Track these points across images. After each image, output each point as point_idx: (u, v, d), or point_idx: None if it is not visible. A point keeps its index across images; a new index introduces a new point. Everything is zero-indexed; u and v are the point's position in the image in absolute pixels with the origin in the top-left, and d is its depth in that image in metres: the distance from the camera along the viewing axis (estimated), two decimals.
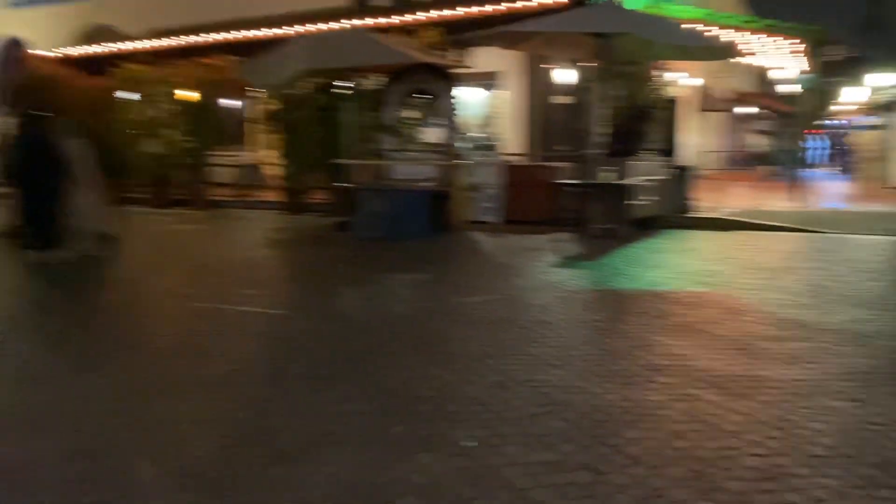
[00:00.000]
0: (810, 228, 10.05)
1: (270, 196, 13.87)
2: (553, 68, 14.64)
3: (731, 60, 20.98)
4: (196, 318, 5.32)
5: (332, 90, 11.47)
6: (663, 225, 10.57)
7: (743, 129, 37.09)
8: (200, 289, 6.33)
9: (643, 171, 10.01)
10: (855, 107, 29.21)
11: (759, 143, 35.36)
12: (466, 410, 3.33)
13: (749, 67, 31.71)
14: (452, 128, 10.49)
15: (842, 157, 29.52)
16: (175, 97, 14.25)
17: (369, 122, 11.05)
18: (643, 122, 11.08)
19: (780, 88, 17.68)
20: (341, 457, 2.85)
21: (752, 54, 15.31)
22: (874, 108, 23.21)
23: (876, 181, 22.22)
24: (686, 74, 19.25)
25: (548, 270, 6.94)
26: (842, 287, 6.02)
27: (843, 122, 34.29)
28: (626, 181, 9.41)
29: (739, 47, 14.17)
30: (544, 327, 4.78)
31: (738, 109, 33.46)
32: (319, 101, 11.56)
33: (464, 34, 10.18)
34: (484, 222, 10.38)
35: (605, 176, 8.99)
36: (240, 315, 5.27)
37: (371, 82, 11.39)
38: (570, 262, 7.64)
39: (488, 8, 13.24)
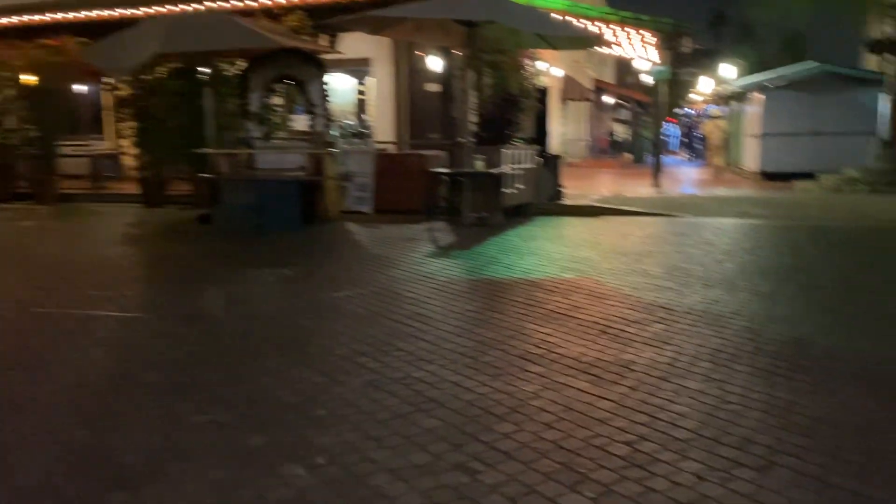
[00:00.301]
0: (669, 213, 10.58)
1: (128, 188, 13.00)
2: (425, 55, 14.57)
3: (593, 51, 21.80)
4: (36, 324, 4.82)
5: (191, 75, 10.83)
6: (534, 212, 10.78)
7: (606, 119, 38.73)
8: (42, 292, 5.75)
9: (514, 160, 10.14)
10: (706, 97, 31.19)
11: (620, 131, 37.13)
12: (336, 414, 3.16)
13: (610, 58, 33.09)
14: (322, 115, 10.16)
15: (695, 144, 31.42)
16: (15, 81, 13.01)
17: (233, 109, 10.52)
18: (513, 111, 11.24)
19: (639, 79, 18.49)
20: (193, 476, 2.61)
21: (613, 45, 15.90)
22: (722, 99, 24.83)
23: (726, 166, 23.87)
24: (551, 65, 19.78)
25: (421, 261, 6.84)
26: (698, 269, 6.31)
27: (696, 111, 36.54)
28: (498, 169, 9.48)
29: (603, 43, 14.68)
30: (417, 320, 4.67)
31: (600, 99, 34.90)
32: (177, 87, 10.88)
33: (329, 18, 9.85)
34: (356, 212, 10.17)
35: (478, 164, 9.00)
36: (87, 320, 4.82)
37: (234, 67, 10.86)
38: (443, 251, 7.59)
39: None
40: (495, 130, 10.77)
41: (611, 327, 4.49)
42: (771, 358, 3.89)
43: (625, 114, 44.60)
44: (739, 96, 21.03)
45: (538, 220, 10.17)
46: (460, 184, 9.50)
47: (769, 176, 17.23)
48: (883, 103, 16.54)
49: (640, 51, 16.69)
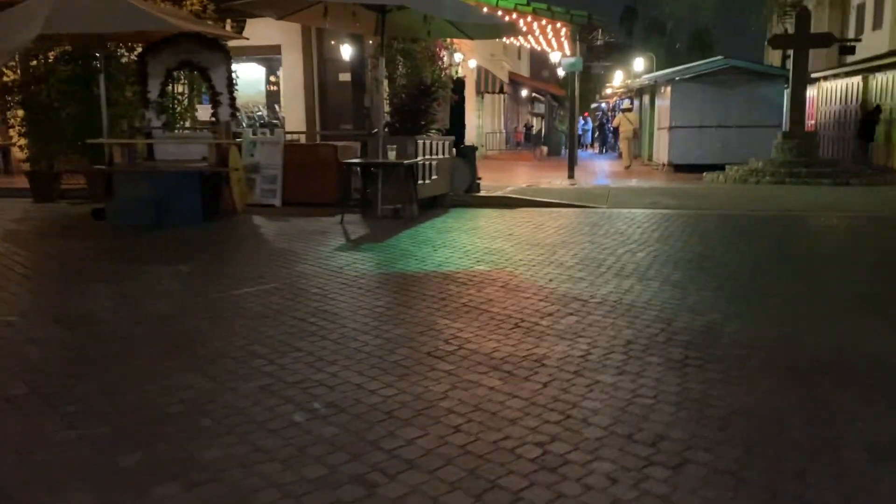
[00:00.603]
0: (584, 204, 10.62)
1: (18, 182, 12.11)
2: (338, 43, 14.16)
3: (509, 44, 21.87)
4: None
5: (84, 61, 10.13)
6: (450, 204, 10.62)
7: (522, 112, 39.10)
8: None
9: (429, 151, 9.94)
10: (618, 90, 31.89)
11: (537, 123, 37.54)
12: (222, 424, 2.87)
13: (526, 52, 33.35)
14: (228, 104, 9.67)
15: (608, 137, 32.03)
16: None
17: (130, 97, 9.91)
18: (428, 101, 11.01)
19: (554, 72, 18.62)
20: (57, 502, 2.28)
21: (527, 36, 15.94)
22: (634, 92, 25.40)
23: (638, 158, 24.44)
24: (467, 57, 19.70)
25: (331, 255, 6.55)
26: (611, 259, 6.28)
27: (610, 104, 37.31)
28: (411, 160, 9.26)
29: (518, 32, 14.65)
30: (322, 318, 4.40)
31: (517, 92, 35.17)
32: (68, 74, 10.17)
33: (231, 2, 9.36)
34: (265, 206, 9.75)
35: (390, 155, 8.75)
36: None
37: (132, 53, 10.23)
38: (354, 245, 7.31)
39: None
40: (409, 121, 10.52)
41: (524, 320, 4.35)
42: (683, 348, 3.83)
43: (540, 107, 45.18)
44: (650, 90, 21.53)
45: (454, 211, 10.02)
46: (374, 175, 9.23)
47: (679, 167, 17.70)
48: (787, 97, 17.20)
49: (553, 43, 16.80)
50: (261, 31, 12.91)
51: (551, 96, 37.10)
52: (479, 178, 13.69)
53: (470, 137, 22.24)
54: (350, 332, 4.15)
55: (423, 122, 11.06)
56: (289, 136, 11.84)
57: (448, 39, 12.07)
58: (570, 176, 14.89)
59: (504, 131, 31.22)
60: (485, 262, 6.24)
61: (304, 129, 13.84)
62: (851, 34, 25.07)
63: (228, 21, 11.99)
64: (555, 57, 16.81)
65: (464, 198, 11.04)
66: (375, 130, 10.88)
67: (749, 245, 7.37)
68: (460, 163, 11.16)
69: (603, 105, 40.21)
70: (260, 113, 14.46)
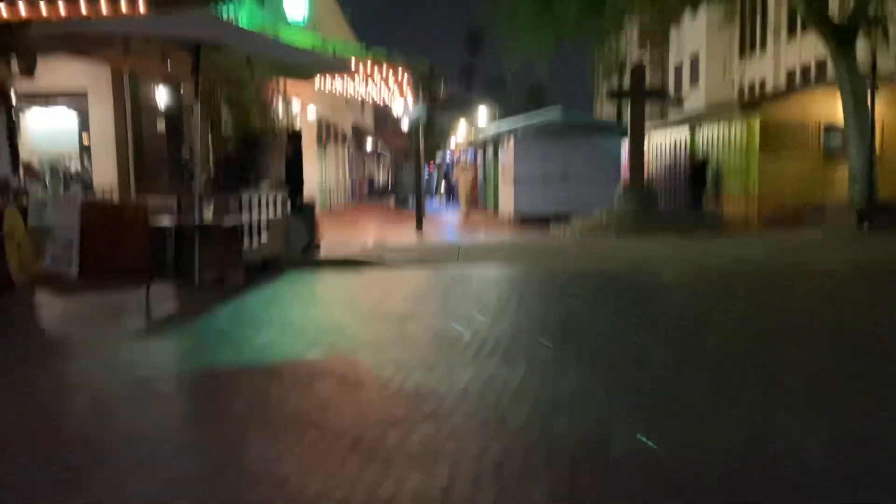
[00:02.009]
0: (433, 263, 9.82)
1: None
2: (154, 87, 12.65)
3: (352, 93, 21.16)
4: None
5: None
6: (285, 268, 9.45)
7: (368, 163, 38.51)
8: None
9: (258, 208, 8.76)
10: (463, 142, 32.07)
11: (382, 175, 37.02)
12: None
13: (369, 101, 32.90)
14: (8, 157, 8.01)
15: (453, 188, 32.01)
16: None
17: None
18: (258, 153, 9.88)
19: (399, 123, 18.04)
20: None
21: (368, 84, 15.21)
22: (478, 144, 25.46)
23: (484, 209, 24.32)
24: (308, 105, 18.68)
25: (120, 344, 5.20)
26: (468, 333, 5.41)
27: (454, 155, 37.56)
28: (238, 220, 8.05)
29: (352, 70, 13.85)
30: (79, 447, 3.14)
31: (362, 143, 34.55)
32: None
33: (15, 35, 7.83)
34: (55, 275, 8.09)
35: (207, 215, 7.49)
36: None
37: None
38: (156, 327, 5.98)
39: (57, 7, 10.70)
40: (236, 175, 9.32)
41: (365, 437, 3.31)
42: (568, 469, 2.96)
43: (387, 158, 44.89)
44: (493, 141, 21.52)
45: (289, 276, 8.86)
46: (192, 238, 7.90)
47: (525, 219, 17.53)
48: (624, 149, 17.60)
49: (395, 92, 16.20)
50: (63, 72, 11.21)
51: (397, 147, 36.84)
52: (321, 235, 12.62)
53: (312, 190, 21.14)
54: (117, 474, 2.92)
55: (252, 176, 9.89)
56: (90, 192, 10.18)
57: (283, 87, 11.03)
58: (418, 231, 14.15)
59: (350, 183, 30.32)
60: (319, 344, 5.16)
61: (115, 184, 12.11)
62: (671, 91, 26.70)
63: (14, 59, 10.23)
64: (397, 106, 16.25)
65: (301, 260, 9.89)
66: (196, 186, 9.60)
67: (612, 308, 6.79)
68: (296, 221, 10.04)
69: (449, 156, 40.52)
70: (58, 165, 12.56)
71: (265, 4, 15.79)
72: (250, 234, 8.50)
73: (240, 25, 12.41)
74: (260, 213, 8.81)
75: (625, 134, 17.15)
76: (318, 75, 10.80)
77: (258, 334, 5.50)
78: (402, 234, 14.14)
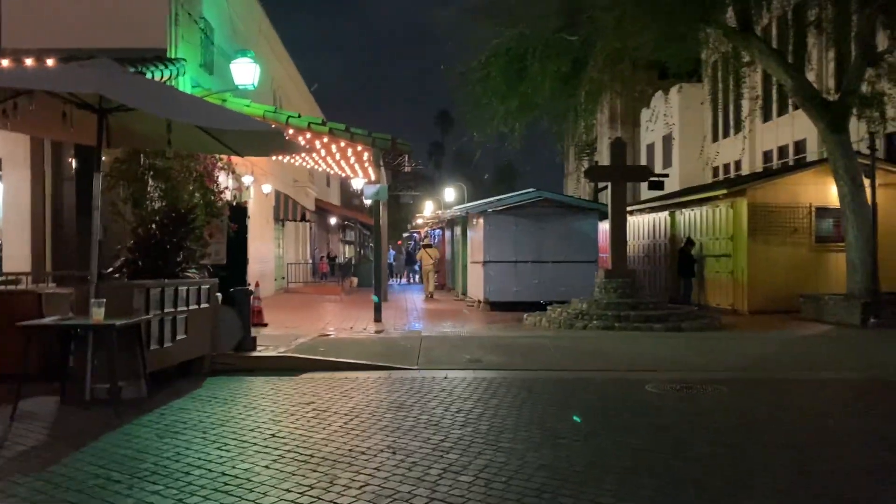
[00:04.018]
0: (389, 364, 8.29)
1: None
2: (70, 157, 11.19)
3: (316, 169, 19.93)
4: None
5: None
6: (209, 371, 7.85)
7: (330, 241, 37.09)
8: None
9: (174, 299, 7.22)
10: (427, 220, 30.89)
11: (343, 254, 35.50)
12: None
13: (337, 177, 31.75)
14: None
15: (417, 269, 30.72)
16: None
17: None
18: (185, 232, 8.39)
19: (362, 199, 16.72)
20: None
21: (325, 157, 13.98)
22: (445, 223, 24.25)
23: (451, 291, 22.89)
24: (262, 181, 17.34)
25: None
26: (422, 490, 3.86)
27: (420, 234, 36.41)
28: (142, 316, 6.48)
29: (305, 145, 12.57)
30: None
31: (325, 220, 33.21)
32: None
33: None
34: None
35: (95, 311, 5.90)
36: None
37: None
38: None
39: None
40: (158, 258, 7.81)
41: None
42: None
43: (351, 236, 43.55)
44: (462, 221, 20.30)
45: (211, 384, 7.26)
46: (80, 338, 6.31)
47: (496, 305, 16.13)
48: (602, 232, 16.46)
49: (357, 168, 14.94)
50: None
51: (362, 225, 35.55)
52: (260, 327, 11.12)
53: (267, 270, 19.58)
54: None
55: (178, 259, 8.37)
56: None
57: (224, 157, 9.63)
58: (377, 319, 12.62)
59: (310, 261, 28.79)
60: None
61: (28, 268, 10.46)
62: None
63: None
64: (357, 183, 14.99)
65: (232, 360, 8.30)
66: (111, 269, 8.05)
67: (613, 436, 5.27)
68: (228, 313, 8.48)
69: (416, 235, 39.36)
70: None
71: (213, 70, 14.61)
72: (162, 332, 6.93)
73: (180, 89, 11.15)
74: (177, 304, 7.25)
75: (603, 215, 16.04)
76: (258, 154, 9.42)
77: (127, 493, 3.89)
78: (359, 322, 12.58)
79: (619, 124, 35.49)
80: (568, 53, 13.42)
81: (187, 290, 7.51)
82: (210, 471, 4.33)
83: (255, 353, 8.61)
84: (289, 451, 4.76)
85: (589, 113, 15.54)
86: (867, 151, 13.35)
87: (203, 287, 7.94)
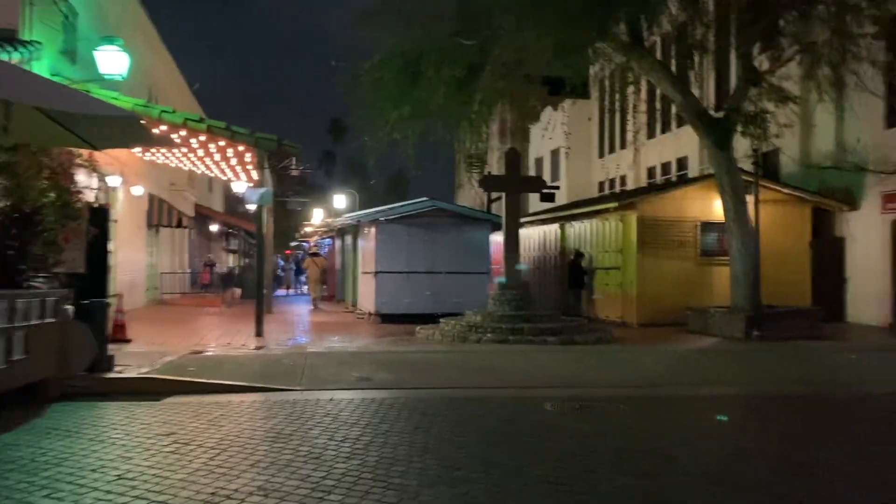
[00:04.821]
0: (268, 385, 7.50)
1: None
2: None
3: (197, 172, 18.62)
4: None
5: None
6: (56, 396, 6.79)
7: (213, 249, 35.21)
8: None
9: (17, 312, 6.17)
10: (316, 228, 29.84)
11: (226, 262, 33.71)
12: None
13: (220, 182, 30.15)
14: None
15: (303, 279, 29.67)
16: None
17: None
18: (28, 236, 7.32)
19: (246, 205, 15.63)
20: None
21: (203, 158, 12.92)
22: (335, 232, 23.41)
23: (341, 303, 22.04)
24: (130, 181, 15.94)
25: None
26: None
27: (310, 243, 35.32)
28: None
29: (179, 142, 11.54)
30: None
31: (206, 227, 31.43)
32: None
33: None
34: None
35: None
36: None
37: None
38: None
39: None
40: None
41: None
42: None
43: (235, 244, 41.60)
44: (353, 230, 19.56)
45: (56, 411, 6.26)
46: None
47: (388, 318, 15.49)
48: (495, 243, 16.19)
49: (239, 170, 13.95)
50: None
51: (246, 233, 33.98)
52: (122, 344, 10.03)
53: (138, 280, 18.06)
54: None
55: (21, 267, 7.29)
56: None
57: (83, 152, 8.55)
58: (258, 334, 11.70)
59: (189, 271, 27.07)
60: None
61: None
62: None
63: None
64: (239, 187, 13.98)
65: (86, 382, 7.26)
66: None
67: (515, 464, 4.77)
68: (78, 329, 7.41)
69: (306, 244, 38.12)
70: None
71: (77, 59, 13.26)
72: None
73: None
74: (14, 319, 6.20)
75: (495, 226, 15.79)
76: (130, 143, 8.40)
77: None
78: (238, 337, 11.62)
79: (509, 137, 35.80)
80: (463, 59, 13.03)
81: (28, 303, 6.45)
82: None
83: (111, 375, 7.60)
84: (137, 496, 3.96)
85: (482, 122, 15.24)
86: (751, 168, 13.74)
87: (49, 299, 6.87)
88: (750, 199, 13.26)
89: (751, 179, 13.65)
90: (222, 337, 11.77)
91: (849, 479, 4.60)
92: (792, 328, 12.34)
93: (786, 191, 15.66)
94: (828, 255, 15.69)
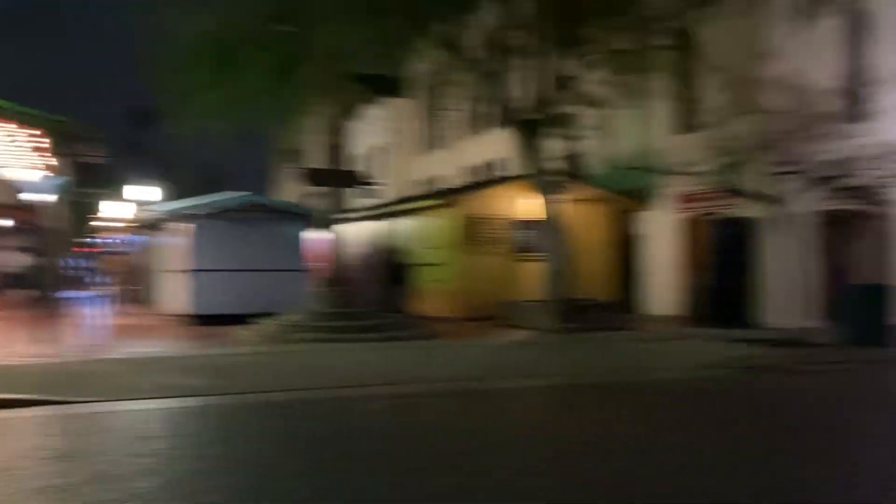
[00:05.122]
0: (61, 397, 6.68)
1: None
2: None
3: None
4: None
5: None
6: None
7: (6, 244, 31.49)
8: None
9: None
10: (120, 223, 27.51)
11: (15, 261, 30.27)
12: None
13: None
14: None
15: (104, 278, 27.43)
16: None
17: None
18: None
19: (31, 195, 13.90)
20: None
21: None
22: (142, 227, 21.70)
23: (147, 307, 20.43)
24: None
25: None
26: None
27: (109, 239, 32.68)
28: None
29: None
30: None
31: None
32: None
33: None
34: None
35: None
36: None
37: None
38: None
39: None
40: None
41: None
42: None
43: (28, 241, 37.51)
44: (160, 225, 18.21)
45: None
46: None
47: (203, 319, 14.55)
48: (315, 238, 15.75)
49: (24, 157, 12.46)
50: None
51: (33, 226, 30.67)
52: None
53: None
54: None
55: None
56: None
57: None
58: (49, 339, 10.51)
59: None
60: None
61: None
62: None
63: None
64: (23, 175, 12.44)
65: None
66: None
67: (337, 475, 4.56)
68: None
69: (102, 239, 35.16)
70: None
71: None
72: None
73: None
74: None
75: (316, 222, 15.39)
76: None
77: None
78: (24, 344, 10.36)
79: (329, 132, 35.33)
80: (280, 47, 12.50)
81: None
82: None
83: None
84: None
85: (300, 114, 14.78)
86: (564, 168, 14.46)
87: None
88: (563, 197, 13.94)
89: (562, 179, 14.36)
90: (6, 344, 10.44)
91: (664, 460, 4.86)
92: (598, 320, 13.14)
93: (593, 191, 16.69)
94: (630, 251, 16.94)
